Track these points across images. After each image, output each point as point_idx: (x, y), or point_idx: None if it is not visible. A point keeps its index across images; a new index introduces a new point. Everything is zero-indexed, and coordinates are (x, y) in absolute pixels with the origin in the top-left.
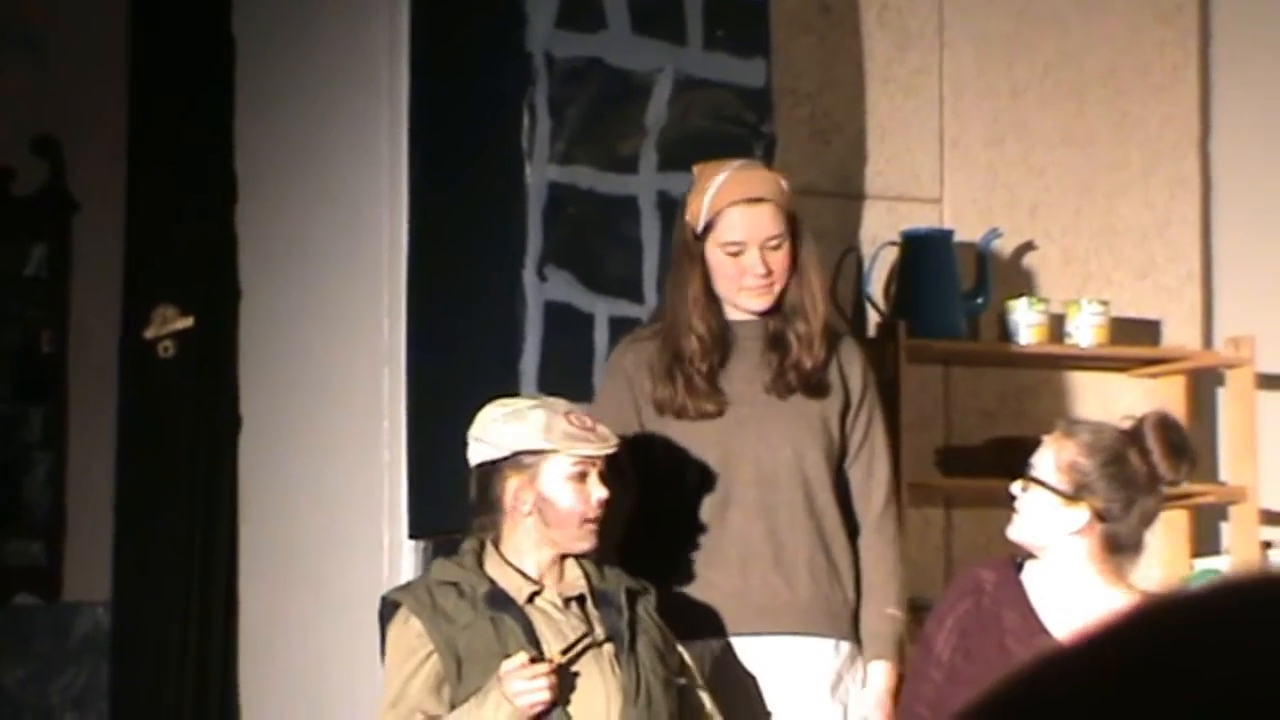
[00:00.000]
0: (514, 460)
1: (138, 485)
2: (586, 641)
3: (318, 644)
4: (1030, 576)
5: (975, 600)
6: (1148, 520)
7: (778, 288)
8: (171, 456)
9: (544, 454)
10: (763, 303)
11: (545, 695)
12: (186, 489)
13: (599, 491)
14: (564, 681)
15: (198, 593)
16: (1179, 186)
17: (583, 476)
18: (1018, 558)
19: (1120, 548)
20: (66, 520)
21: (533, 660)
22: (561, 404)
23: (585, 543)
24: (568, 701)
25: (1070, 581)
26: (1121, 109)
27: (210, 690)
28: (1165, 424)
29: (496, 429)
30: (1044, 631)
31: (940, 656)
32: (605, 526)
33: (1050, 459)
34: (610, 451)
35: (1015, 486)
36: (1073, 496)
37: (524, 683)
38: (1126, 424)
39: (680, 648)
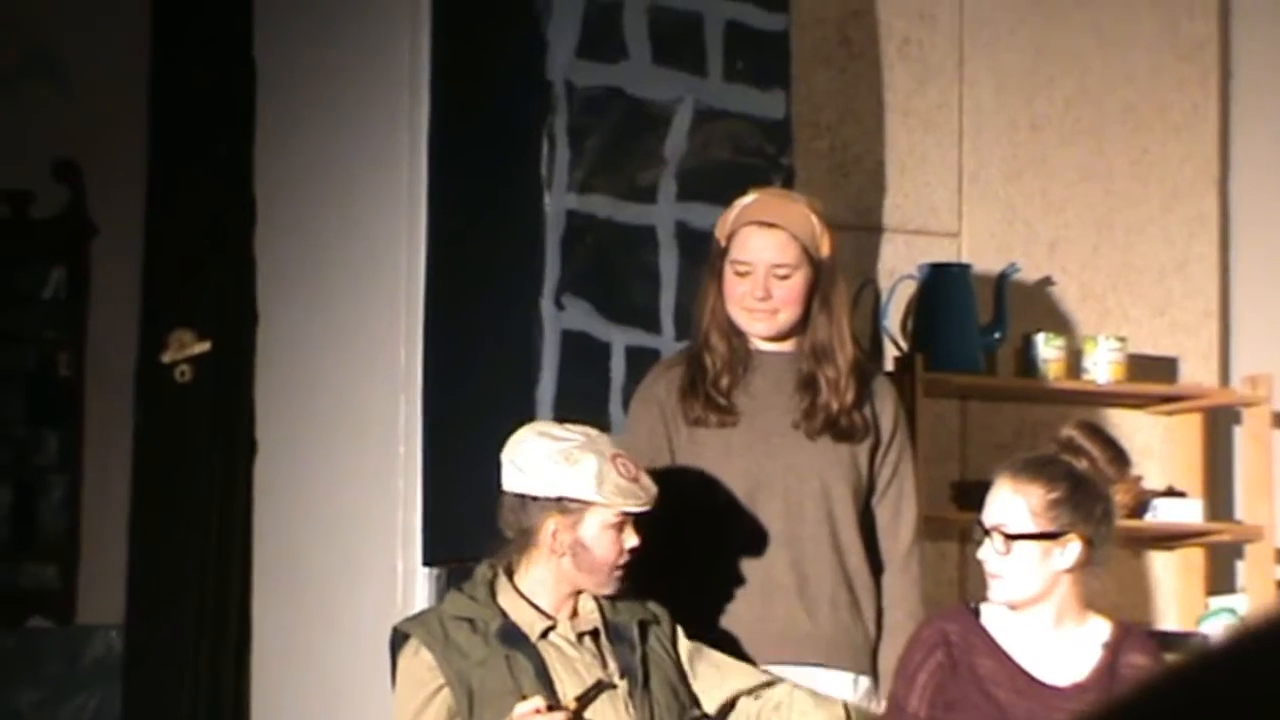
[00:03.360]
0: (558, 502)
1: (153, 509)
2: (600, 686)
3: (331, 670)
4: (993, 621)
5: (945, 652)
6: (1114, 524)
7: (781, 317)
8: (187, 480)
9: (590, 503)
10: (761, 327)
11: None
12: (201, 513)
13: (632, 540)
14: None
15: (211, 617)
16: (1198, 224)
17: (621, 526)
18: (972, 603)
19: (1101, 562)
20: (81, 543)
21: (549, 707)
22: (607, 444)
23: (610, 588)
24: None
25: (1046, 620)
26: (1141, 146)
27: (222, 715)
28: (1095, 430)
29: (545, 468)
30: (1024, 674)
31: (917, 714)
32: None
33: (1021, 508)
34: (650, 507)
35: (989, 552)
36: (1059, 534)
37: None
38: (1053, 446)
39: (689, 666)
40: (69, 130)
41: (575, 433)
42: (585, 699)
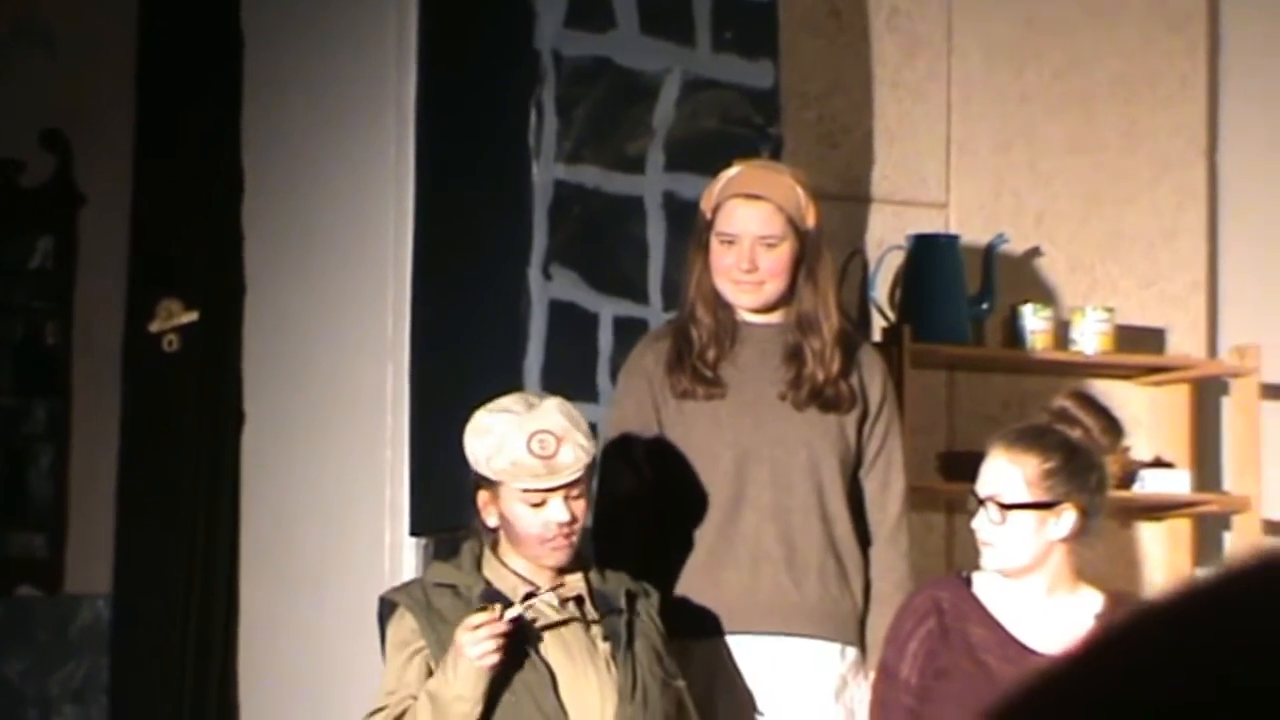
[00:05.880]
0: (481, 476)
1: (140, 478)
2: (551, 606)
3: (318, 639)
4: (984, 590)
5: (937, 619)
6: (1108, 493)
7: (769, 288)
8: (174, 450)
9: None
10: (747, 299)
11: (490, 645)
12: (189, 483)
13: (559, 515)
14: (519, 640)
15: (199, 587)
16: (1186, 196)
17: (541, 503)
18: (964, 572)
19: (1094, 531)
20: (68, 512)
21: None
22: (533, 421)
23: (551, 559)
24: (559, 694)
25: (1039, 589)
26: (1130, 117)
27: (210, 684)
28: (1088, 399)
29: (469, 440)
30: (1015, 642)
31: (908, 681)
32: (580, 537)
33: (1017, 478)
34: (562, 483)
35: (983, 521)
36: (1054, 504)
37: (468, 634)
38: (1046, 416)
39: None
40: (57, 99)
41: (511, 406)
42: (526, 604)
